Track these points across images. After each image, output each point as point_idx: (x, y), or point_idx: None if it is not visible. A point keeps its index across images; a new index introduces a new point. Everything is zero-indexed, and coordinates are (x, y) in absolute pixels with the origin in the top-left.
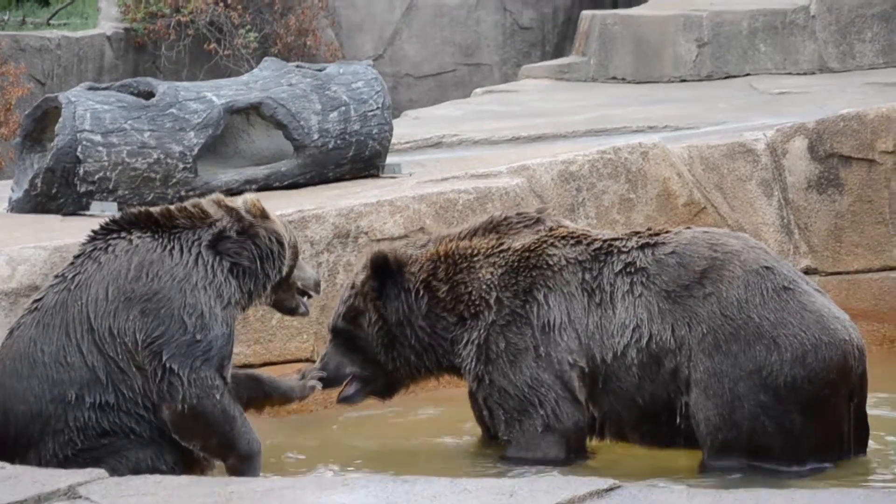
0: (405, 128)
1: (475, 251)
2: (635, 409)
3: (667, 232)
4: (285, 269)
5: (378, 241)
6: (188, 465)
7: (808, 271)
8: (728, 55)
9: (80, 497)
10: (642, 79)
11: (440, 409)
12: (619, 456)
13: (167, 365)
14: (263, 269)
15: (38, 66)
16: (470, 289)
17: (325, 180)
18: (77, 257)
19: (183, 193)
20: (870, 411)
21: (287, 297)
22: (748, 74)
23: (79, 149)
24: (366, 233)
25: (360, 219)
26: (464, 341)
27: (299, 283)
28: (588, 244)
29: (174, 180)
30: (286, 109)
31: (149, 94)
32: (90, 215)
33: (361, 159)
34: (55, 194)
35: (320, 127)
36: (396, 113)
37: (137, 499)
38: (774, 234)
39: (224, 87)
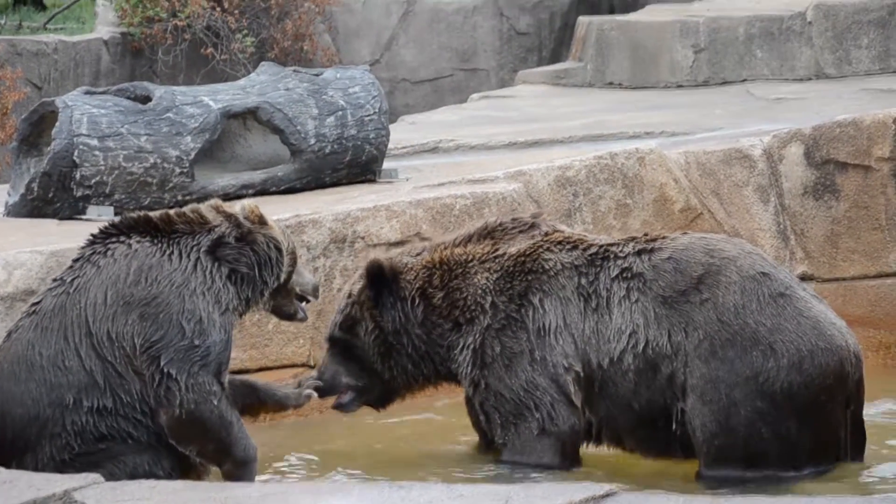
0: (402, 133)
1: (470, 257)
2: (631, 415)
3: (663, 237)
4: (283, 276)
5: (374, 246)
6: (185, 470)
7: (804, 277)
8: (724, 61)
9: (75, 502)
10: (639, 84)
11: (436, 415)
12: (615, 461)
13: (165, 370)
14: (261, 275)
15: (35, 71)
16: (465, 294)
17: (321, 185)
18: (76, 261)
19: (179, 198)
20: (866, 417)
21: (285, 302)
22: (745, 80)
23: (75, 153)
24: (362, 238)
25: (357, 224)
26: (460, 346)
27: (298, 289)
28: (584, 249)
29: (171, 185)
30: (283, 114)
31: (145, 99)
32: (87, 219)
33: (358, 164)
34: (52, 198)
35: (317, 132)
36: (393, 118)
37: None
38: (771, 240)
39: (221, 92)
